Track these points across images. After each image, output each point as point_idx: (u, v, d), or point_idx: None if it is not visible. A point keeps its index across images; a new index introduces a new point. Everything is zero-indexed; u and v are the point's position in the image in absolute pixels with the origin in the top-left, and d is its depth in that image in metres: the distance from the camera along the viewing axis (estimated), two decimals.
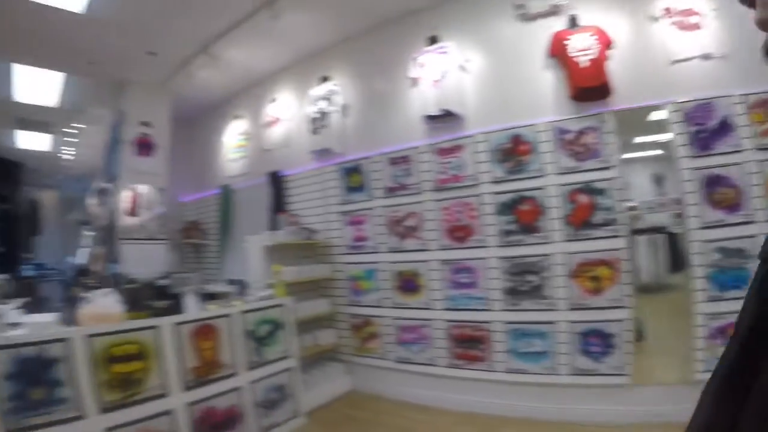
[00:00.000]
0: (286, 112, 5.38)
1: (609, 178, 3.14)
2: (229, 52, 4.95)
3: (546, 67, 3.41)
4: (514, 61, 3.59)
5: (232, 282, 4.40)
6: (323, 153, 4.75)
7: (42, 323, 2.52)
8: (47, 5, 4.01)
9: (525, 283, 3.37)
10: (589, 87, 3.15)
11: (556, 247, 3.27)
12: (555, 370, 3.24)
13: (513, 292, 3.43)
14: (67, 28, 4.49)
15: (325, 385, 4.13)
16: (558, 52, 3.30)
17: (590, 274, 3.14)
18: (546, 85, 3.41)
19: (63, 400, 2.28)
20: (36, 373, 2.22)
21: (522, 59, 3.53)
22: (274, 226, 4.74)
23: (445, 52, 3.81)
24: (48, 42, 4.79)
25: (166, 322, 2.84)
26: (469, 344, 3.63)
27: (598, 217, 3.15)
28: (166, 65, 5.37)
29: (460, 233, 3.68)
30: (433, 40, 3.90)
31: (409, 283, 3.96)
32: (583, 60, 3.18)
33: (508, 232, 3.45)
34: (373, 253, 4.24)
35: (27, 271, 11.92)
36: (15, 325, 2.54)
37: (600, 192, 3.15)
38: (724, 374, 0.73)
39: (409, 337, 3.97)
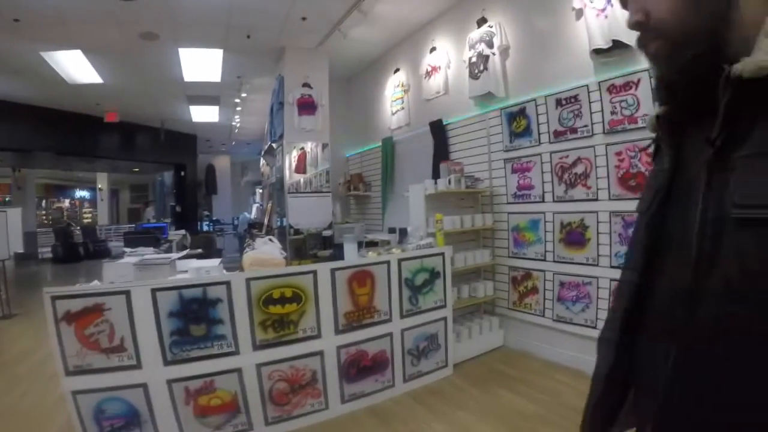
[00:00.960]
0: (445, 59, 5.89)
1: None
2: (379, 6, 5.64)
3: None
4: None
5: (392, 230, 5.07)
6: (484, 98, 5.15)
7: (205, 268, 3.32)
8: None
9: None
10: None
11: None
12: None
13: None
14: (220, 9, 5.63)
15: (477, 338, 4.67)
16: None
17: None
18: None
19: (221, 336, 3.03)
20: (198, 312, 2.98)
21: None
22: (436, 175, 5.29)
23: None
24: (205, 24, 6.07)
25: (323, 267, 3.47)
26: None
27: None
28: (320, 28, 6.31)
29: (633, 182, 3.74)
30: None
31: (574, 236, 4.21)
32: None
33: None
34: (538, 202, 4.55)
35: (204, 226, 14.64)
36: (183, 271, 3.43)
37: None
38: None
39: (570, 295, 4.25)
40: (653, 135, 0.94)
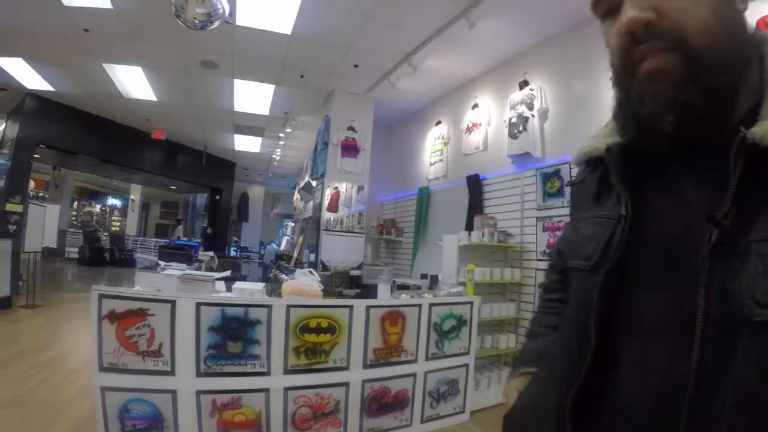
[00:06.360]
0: (486, 116, 6.13)
1: None
2: (428, 61, 5.98)
3: None
4: None
5: (424, 276, 5.19)
6: (522, 157, 5.34)
7: (250, 289, 3.46)
8: (261, 29, 5.50)
9: None
10: None
11: None
12: None
13: None
14: (279, 48, 5.97)
15: (495, 388, 4.70)
16: None
17: None
18: None
19: (255, 356, 3.10)
20: (237, 330, 3.06)
21: None
22: (469, 227, 5.46)
23: None
24: (263, 60, 6.44)
25: (359, 304, 3.55)
26: None
27: None
28: (370, 76, 6.66)
29: None
30: None
31: None
32: None
33: None
34: None
35: (231, 251, 14.87)
36: (220, 291, 3.55)
37: None
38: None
39: None
40: (584, 166, 0.85)
